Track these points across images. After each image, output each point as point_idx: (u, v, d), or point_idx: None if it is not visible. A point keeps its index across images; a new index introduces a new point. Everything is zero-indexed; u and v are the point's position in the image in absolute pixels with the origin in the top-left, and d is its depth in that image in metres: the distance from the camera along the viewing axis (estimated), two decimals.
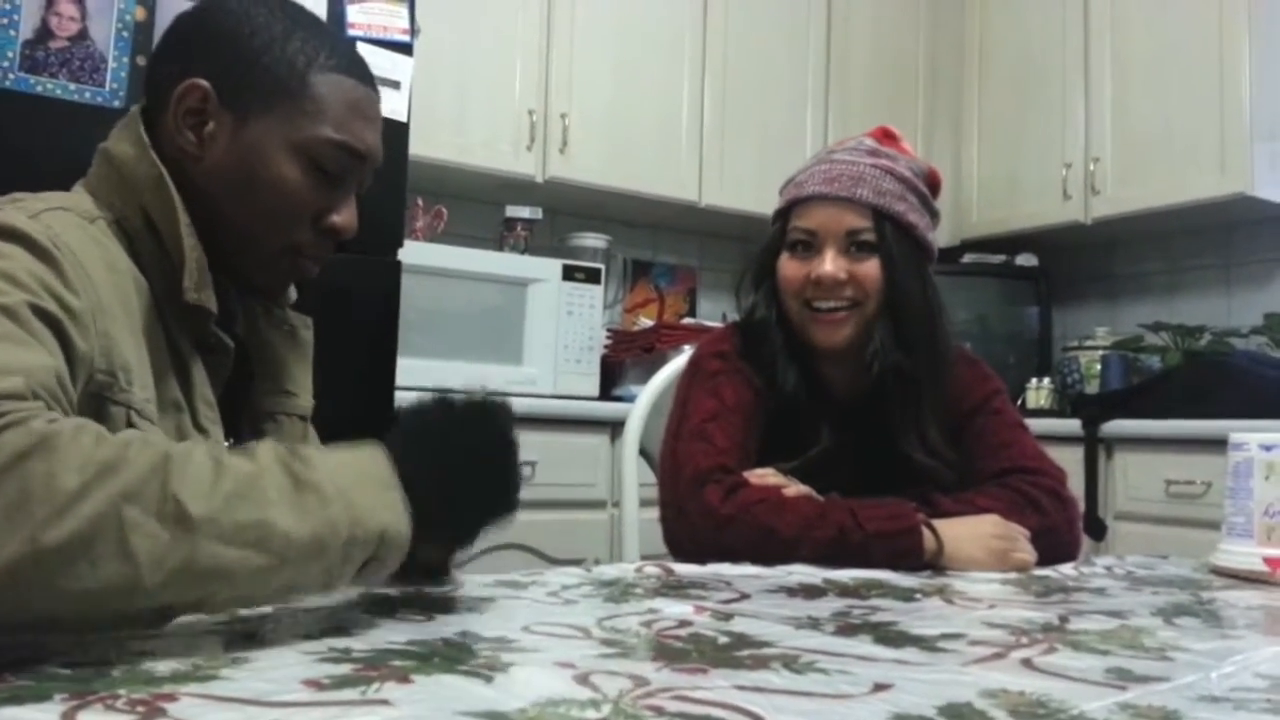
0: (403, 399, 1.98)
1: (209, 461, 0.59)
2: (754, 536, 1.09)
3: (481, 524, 0.71)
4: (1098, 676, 0.60)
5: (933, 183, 1.29)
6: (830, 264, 1.22)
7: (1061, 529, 1.20)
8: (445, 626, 0.66)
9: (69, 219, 0.79)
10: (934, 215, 1.29)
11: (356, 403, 1.89)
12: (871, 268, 1.23)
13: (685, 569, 1.00)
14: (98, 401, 0.74)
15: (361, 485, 0.63)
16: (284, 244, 0.89)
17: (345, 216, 0.90)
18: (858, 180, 1.22)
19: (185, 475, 0.57)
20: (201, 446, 0.61)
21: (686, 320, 3.21)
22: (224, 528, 0.56)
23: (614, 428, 2.49)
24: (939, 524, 1.10)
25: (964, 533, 1.10)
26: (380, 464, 0.65)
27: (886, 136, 1.29)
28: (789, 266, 1.26)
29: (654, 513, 1.49)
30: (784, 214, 1.28)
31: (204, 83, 0.85)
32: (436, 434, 0.70)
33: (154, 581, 0.54)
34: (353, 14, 1.86)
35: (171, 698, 0.46)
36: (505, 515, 0.72)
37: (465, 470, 0.69)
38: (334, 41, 0.91)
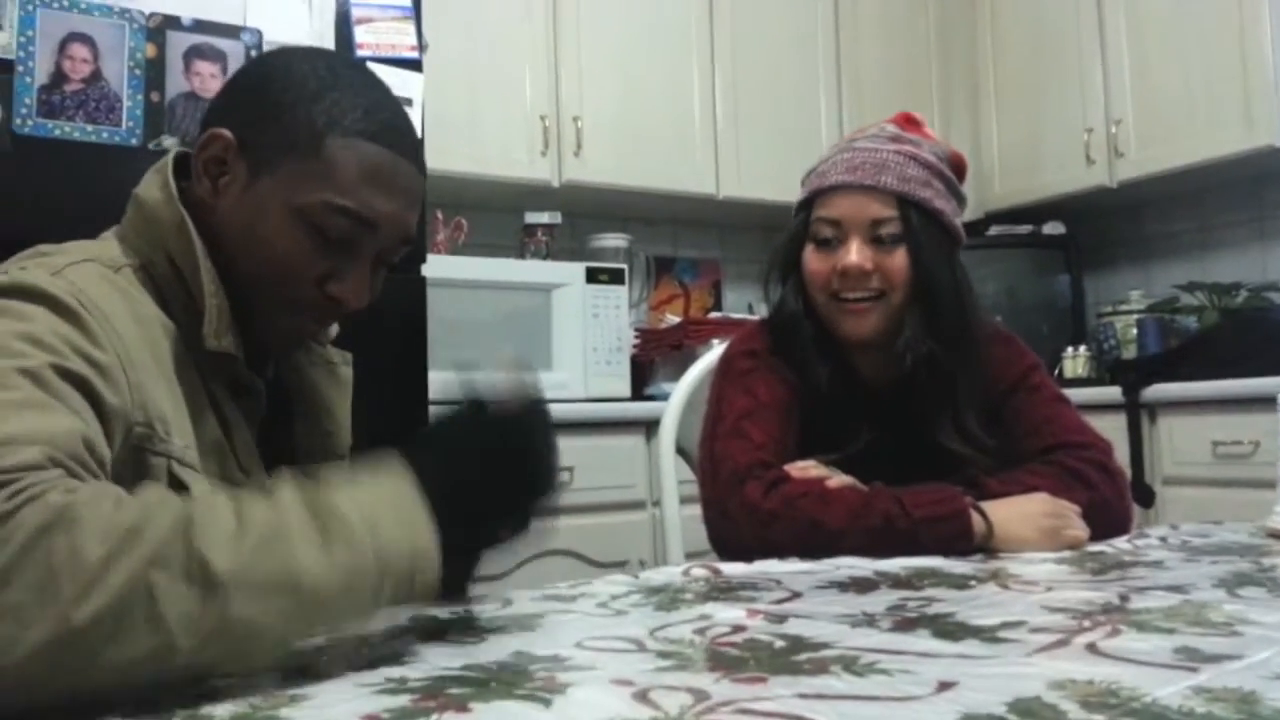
0: (436, 413, 2.00)
1: (230, 514, 0.58)
2: (800, 530, 1.08)
3: (511, 532, 0.71)
4: (1166, 658, 0.59)
5: (957, 166, 1.27)
6: (855, 254, 1.20)
7: (1112, 502, 1.18)
8: (498, 648, 0.65)
9: (93, 271, 0.79)
10: (960, 200, 1.27)
11: (391, 421, 1.89)
12: (898, 258, 1.21)
13: (733, 569, 0.99)
14: (138, 454, 0.74)
15: (388, 519, 0.62)
16: (282, 302, 0.86)
17: (349, 287, 0.86)
18: (881, 167, 1.20)
19: (209, 531, 0.56)
20: (222, 497, 0.60)
21: (713, 314, 3.20)
22: (253, 581, 0.55)
23: (649, 427, 2.49)
24: (987, 506, 1.08)
25: (1013, 513, 1.08)
26: (406, 491, 0.64)
27: (909, 122, 1.27)
28: (814, 259, 1.24)
29: (696, 510, 1.48)
30: (807, 205, 1.26)
31: (227, 133, 0.85)
32: (461, 449, 0.69)
33: (188, 645, 0.53)
34: (360, 34, 1.86)
35: None
36: (535, 513, 0.72)
37: (489, 485, 0.69)
38: (373, 106, 0.86)
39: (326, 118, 0.84)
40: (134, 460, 0.74)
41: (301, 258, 0.84)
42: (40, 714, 0.51)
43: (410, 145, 0.89)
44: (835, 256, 1.22)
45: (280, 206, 0.84)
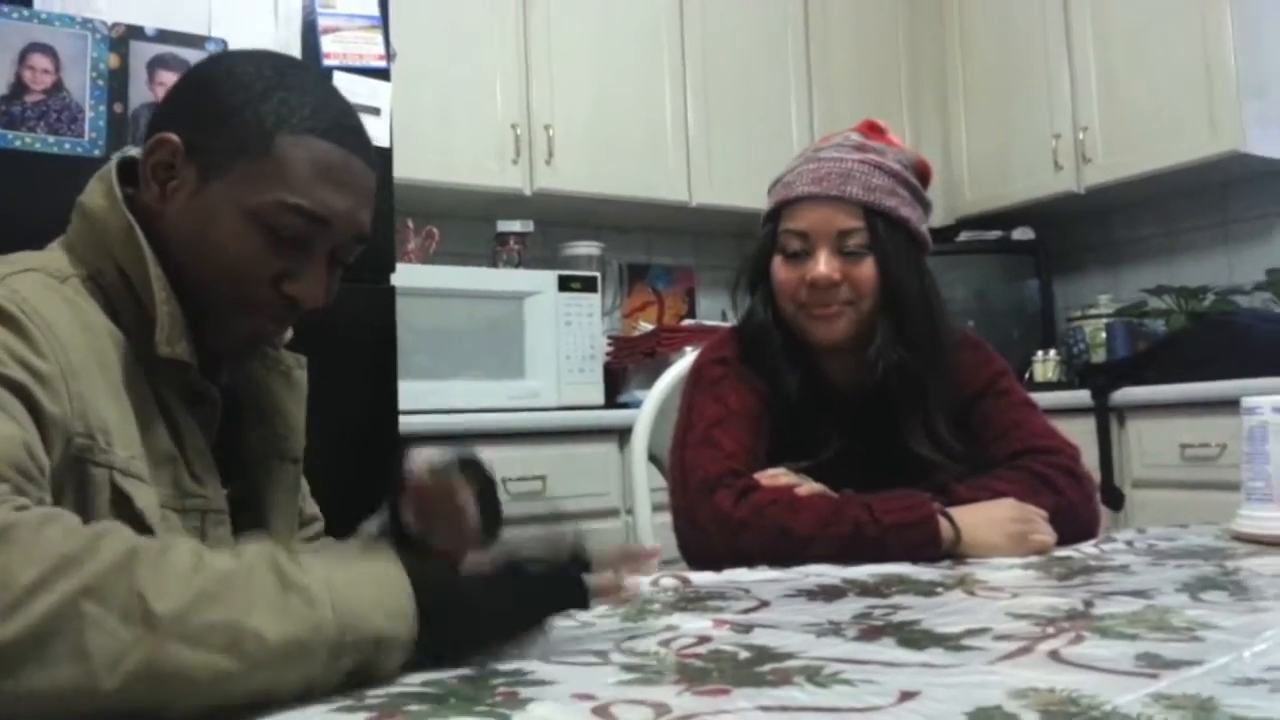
0: (407, 423, 1.98)
1: (189, 558, 0.55)
2: (770, 538, 1.08)
3: (504, 643, 0.66)
4: (1128, 665, 0.59)
5: (922, 173, 1.28)
6: (824, 266, 1.21)
7: (1079, 507, 1.19)
8: None
9: (37, 280, 0.77)
10: (926, 206, 1.28)
11: (359, 430, 1.88)
12: (866, 268, 1.21)
13: (701, 578, 0.99)
14: (79, 465, 0.73)
15: (361, 586, 0.59)
16: (237, 305, 0.85)
17: (305, 286, 0.85)
18: (846, 177, 1.21)
19: (155, 572, 0.53)
20: (186, 543, 0.58)
21: (687, 321, 3.20)
22: (190, 628, 0.53)
23: (621, 435, 2.48)
24: (955, 512, 1.09)
25: (981, 519, 1.09)
26: (389, 568, 0.61)
27: (873, 130, 1.28)
28: (782, 270, 1.24)
29: (668, 517, 1.48)
30: (774, 216, 1.26)
31: (174, 137, 0.84)
32: (474, 587, 0.66)
33: (110, 685, 0.50)
34: (327, 44, 1.85)
35: None
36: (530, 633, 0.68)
37: (517, 623, 0.66)
38: (321, 102, 0.86)
39: (275, 117, 0.83)
40: (75, 471, 0.72)
41: (255, 258, 0.84)
42: None
43: (361, 141, 0.88)
44: (804, 268, 1.22)
45: (232, 208, 0.83)
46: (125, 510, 0.75)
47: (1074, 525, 1.15)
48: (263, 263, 0.84)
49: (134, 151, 0.90)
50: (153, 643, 0.51)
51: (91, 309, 0.80)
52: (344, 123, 0.87)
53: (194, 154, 0.84)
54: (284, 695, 0.55)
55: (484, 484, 0.85)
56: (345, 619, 0.57)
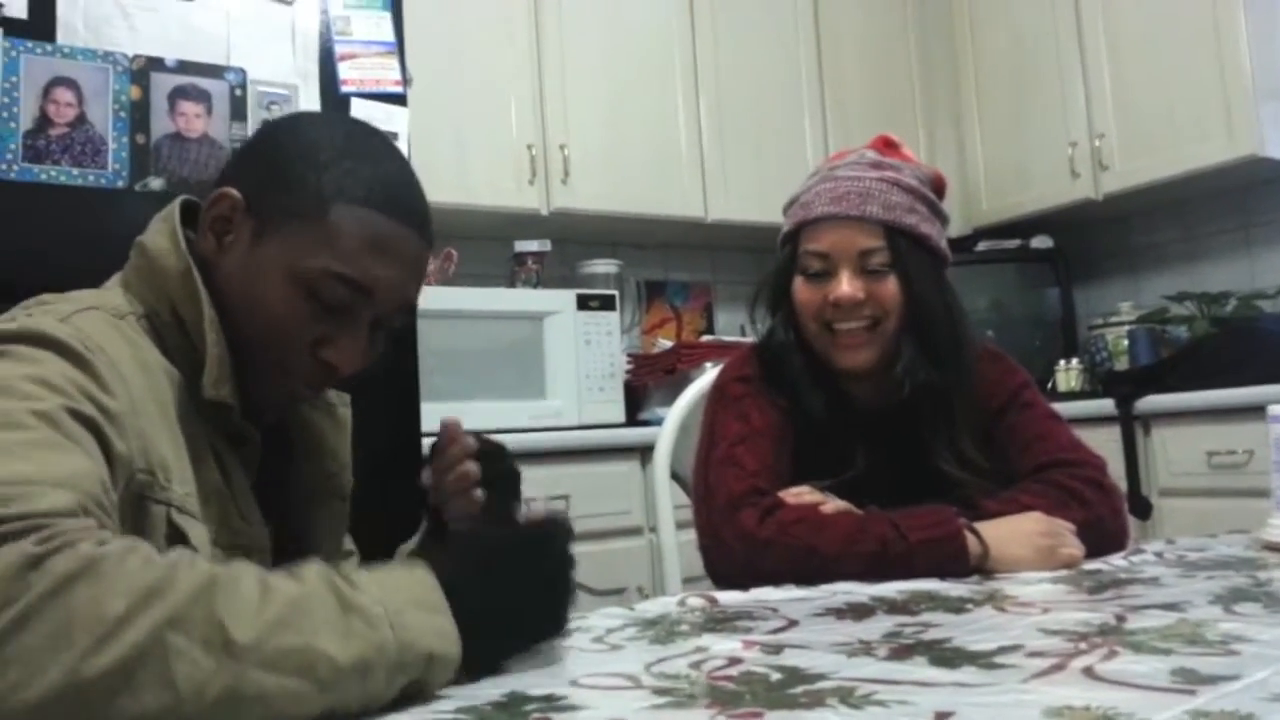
0: (430, 445, 1.99)
1: (256, 585, 0.58)
2: (795, 558, 1.07)
3: (526, 645, 0.71)
4: (1163, 681, 0.59)
5: (938, 187, 1.28)
6: (847, 285, 1.20)
7: (1107, 519, 1.18)
8: (492, 688, 0.65)
9: (99, 318, 0.79)
10: (944, 220, 1.27)
11: (385, 453, 1.89)
12: (888, 286, 1.21)
13: (729, 598, 0.98)
14: (139, 501, 0.74)
15: (410, 609, 0.62)
16: (275, 364, 0.87)
17: (343, 353, 0.87)
18: (865, 197, 1.20)
19: (231, 600, 0.56)
20: (249, 569, 0.60)
21: (705, 337, 3.20)
22: (268, 654, 0.55)
23: (643, 453, 2.48)
24: (982, 526, 1.08)
25: (1008, 533, 1.08)
26: (428, 588, 0.64)
27: (887, 146, 1.28)
28: (804, 291, 1.24)
29: (693, 534, 1.47)
30: (792, 236, 1.26)
31: (235, 192, 0.86)
32: (489, 562, 0.70)
33: (195, 709, 0.53)
34: (344, 70, 1.87)
35: None
36: (552, 636, 0.73)
37: (515, 597, 0.69)
38: (384, 176, 0.87)
39: (335, 186, 0.85)
40: (134, 507, 0.74)
41: (295, 321, 0.85)
42: None
43: (418, 216, 0.89)
44: (826, 288, 1.22)
45: (279, 269, 0.85)
46: (180, 546, 0.76)
47: (1103, 538, 1.14)
48: (303, 326, 0.86)
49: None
50: (234, 670, 0.54)
51: (148, 347, 0.82)
52: (401, 195, 0.88)
53: (252, 211, 0.86)
54: (349, 709, 0.59)
55: (507, 475, 0.96)
56: (402, 639, 0.60)
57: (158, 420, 0.78)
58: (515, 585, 0.69)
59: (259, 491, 0.90)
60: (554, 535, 0.75)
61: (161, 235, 0.87)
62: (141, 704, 0.52)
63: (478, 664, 0.66)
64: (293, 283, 0.84)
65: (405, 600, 0.62)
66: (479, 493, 0.98)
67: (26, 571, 0.53)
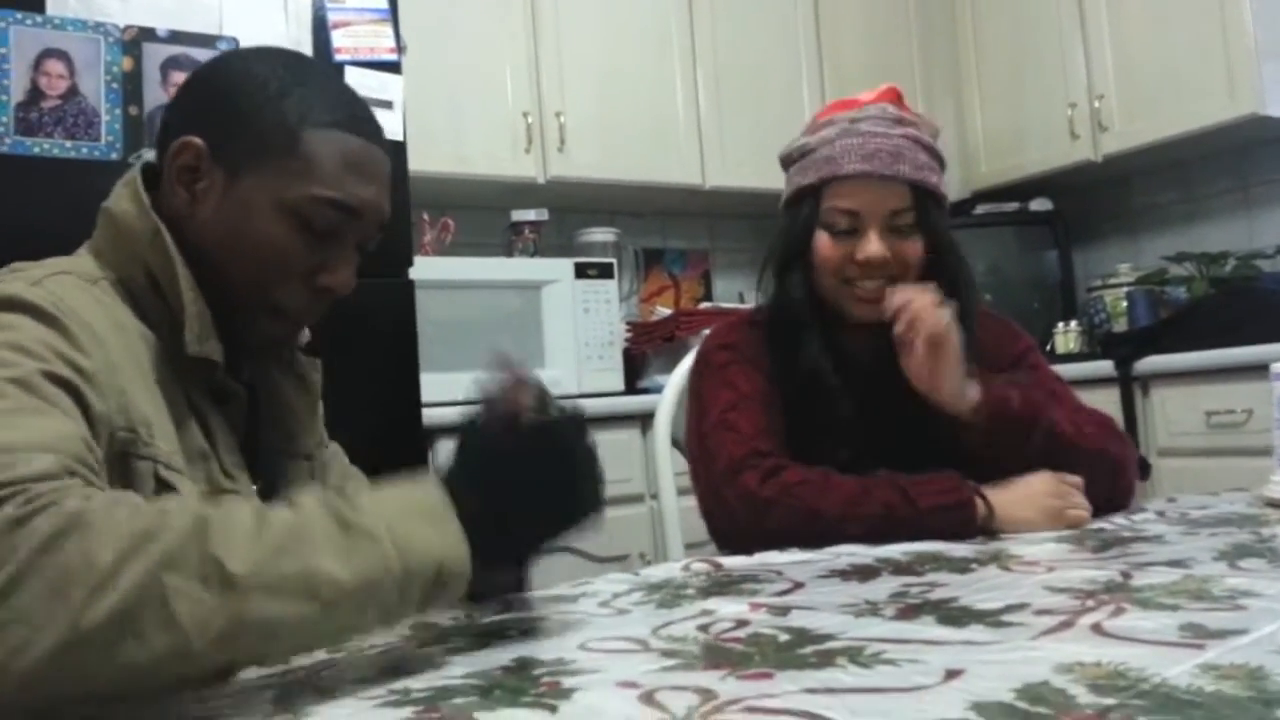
0: (430, 415, 1.99)
1: (251, 517, 0.58)
2: (798, 518, 1.07)
3: (551, 537, 0.71)
4: (1172, 636, 0.59)
5: (937, 137, 1.28)
6: (876, 245, 1.19)
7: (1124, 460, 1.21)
8: (501, 654, 0.65)
9: (70, 282, 0.79)
10: (944, 169, 1.28)
11: (384, 424, 1.89)
12: (912, 246, 1.21)
13: (733, 562, 0.99)
14: (123, 459, 0.74)
15: (412, 520, 0.62)
16: (268, 303, 0.87)
17: (339, 276, 0.88)
18: (896, 156, 1.19)
19: (225, 535, 0.56)
20: (244, 503, 0.60)
21: (704, 304, 3.19)
22: (269, 582, 0.56)
23: (644, 420, 2.48)
24: (988, 490, 1.08)
25: (1015, 496, 1.08)
26: (432, 495, 0.64)
27: (899, 99, 1.27)
28: (828, 247, 1.23)
29: (693, 500, 1.48)
30: (814, 190, 1.24)
31: (198, 140, 0.85)
32: (494, 457, 0.69)
33: (203, 645, 0.53)
34: (338, 39, 1.85)
35: None
36: (581, 522, 0.71)
37: (528, 490, 0.68)
38: (336, 95, 0.89)
39: (297, 113, 0.85)
40: (119, 465, 0.73)
41: (291, 252, 0.85)
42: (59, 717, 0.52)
43: (376, 129, 0.91)
44: (851, 245, 1.21)
45: (266, 204, 0.84)
46: None
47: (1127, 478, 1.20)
48: (298, 256, 0.86)
49: (148, 155, 0.91)
50: (236, 601, 0.54)
51: (122, 310, 0.81)
52: (359, 113, 0.90)
53: (219, 155, 0.85)
54: (365, 632, 0.60)
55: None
56: (406, 553, 0.60)
57: (136, 380, 0.78)
58: (526, 479, 0.68)
59: (243, 451, 0.90)
60: (562, 424, 0.72)
61: (126, 199, 0.86)
62: (149, 648, 0.52)
63: (507, 561, 0.67)
64: (283, 216, 0.84)
65: (406, 513, 0.62)
66: None
67: (10, 534, 0.53)
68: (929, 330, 1.13)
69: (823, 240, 1.23)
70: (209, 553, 0.55)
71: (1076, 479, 1.11)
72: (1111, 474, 1.18)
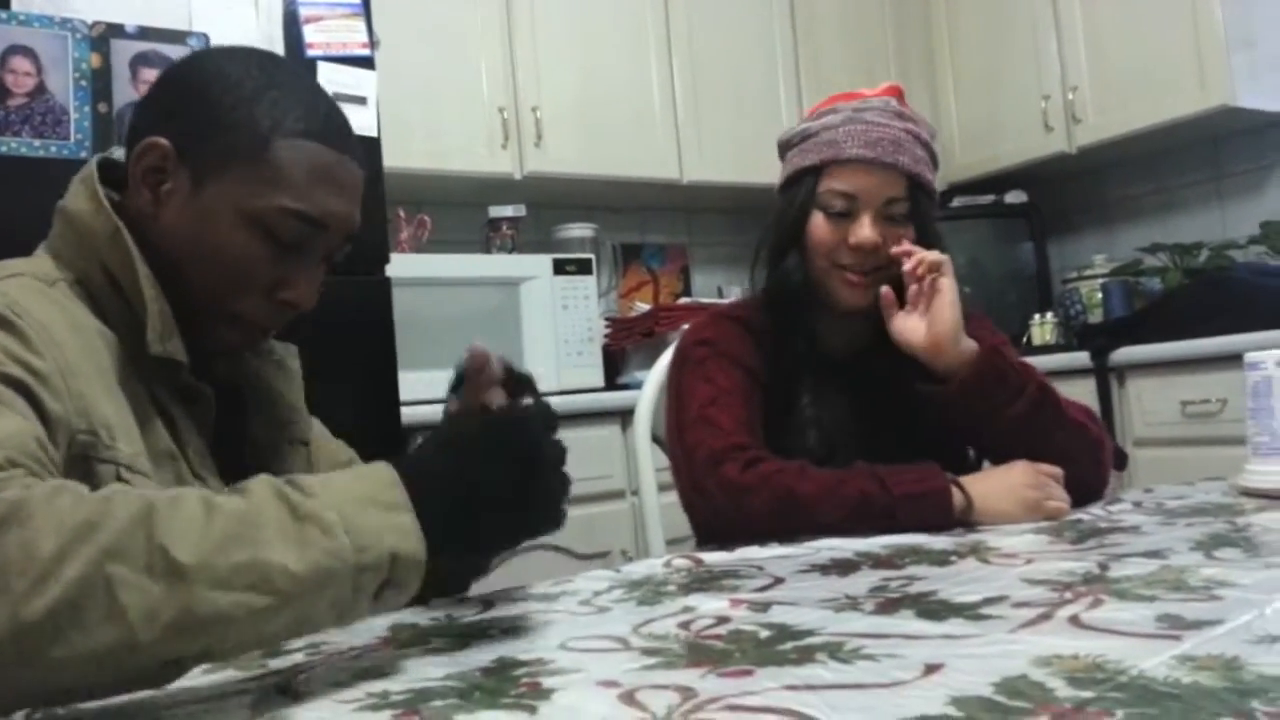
0: (409, 414, 1.98)
1: (199, 506, 0.56)
2: (775, 502, 1.08)
3: (512, 534, 0.69)
4: (1149, 627, 0.59)
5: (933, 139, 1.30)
6: (869, 230, 1.21)
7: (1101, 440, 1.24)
8: (480, 654, 0.65)
9: (26, 284, 0.77)
10: (936, 171, 1.29)
11: (362, 424, 1.87)
12: (903, 237, 1.22)
13: (714, 557, 0.99)
14: (84, 462, 0.73)
15: (366, 509, 0.60)
16: (227, 312, 0.85)
17: (301, 290, 0.86)
18: (897, 146, 1.21)
19: (172, 523, 0.54)
20: (193, 492, 0.58)
21: (683, 299, 3.19)
22: (218, 572, 0.54)
23: (623, 416, 2.48)
24: (966, 480, 1.08)
25: (994, 487, 1.08)
26: (386, 485, 0.62)
27: (900, 95, 1.28)
28: (822, 228, 1.24)
29: (674, 496, 1.47)
30: (814, 171, 1.25)
31: (164, 141, 0.83)
32: (455, 449, 0.67)
33: (149, 638, 0.52)
34: (310, 34, 1.83)
35: None
36: (542, 525, 0.69)
37: (487, 482, 0.66)
38: (311, 103, 0.86)
39: (269, 120, 0.83)
40: (80, 469, 0.72)
41: (254, 262, 0.84)
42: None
43: (351, 140, 0.89)
44: (845, 228, 1.22)
45: (230, 212, 0.83)
46: None
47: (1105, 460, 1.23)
48: (260, 268, 0.84)
49: (116, 154, 0.89)
50: (183, 591, 0.53)
51: (81, 311, 0.80)
52: (335, 122, 0.88)
53: (186, 157, 0.84)
54: (320, 624, 0.58)
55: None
56: (359, 540, 0.58)
57: (95, 382, 0.76)
58: (489, 471, 0.66)
59: (218, 449, 0.89)
60: (530, 417, 0.70)
61: (82, 198, 0.84)
62: (94, 639, 0.51)
63: (465, 555, 0.65)
64: (247, 225, 0.83)
65: (360, 500, 0.60)
66: None
67: None
68: (933, 258, 1.18)
69: (817, 221, 1.24)
70: (155, 542, 0.53)
71: (1055, 470, 1.11)
72: (1092, 451, 1.21)
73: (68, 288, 0.81)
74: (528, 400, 0.74)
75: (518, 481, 0.67)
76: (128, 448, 0.76)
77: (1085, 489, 1.16)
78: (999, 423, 1.16)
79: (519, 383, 0.86)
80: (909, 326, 1.20)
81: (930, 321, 1.18)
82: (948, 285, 1.19)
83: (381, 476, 0.63)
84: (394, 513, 0.61)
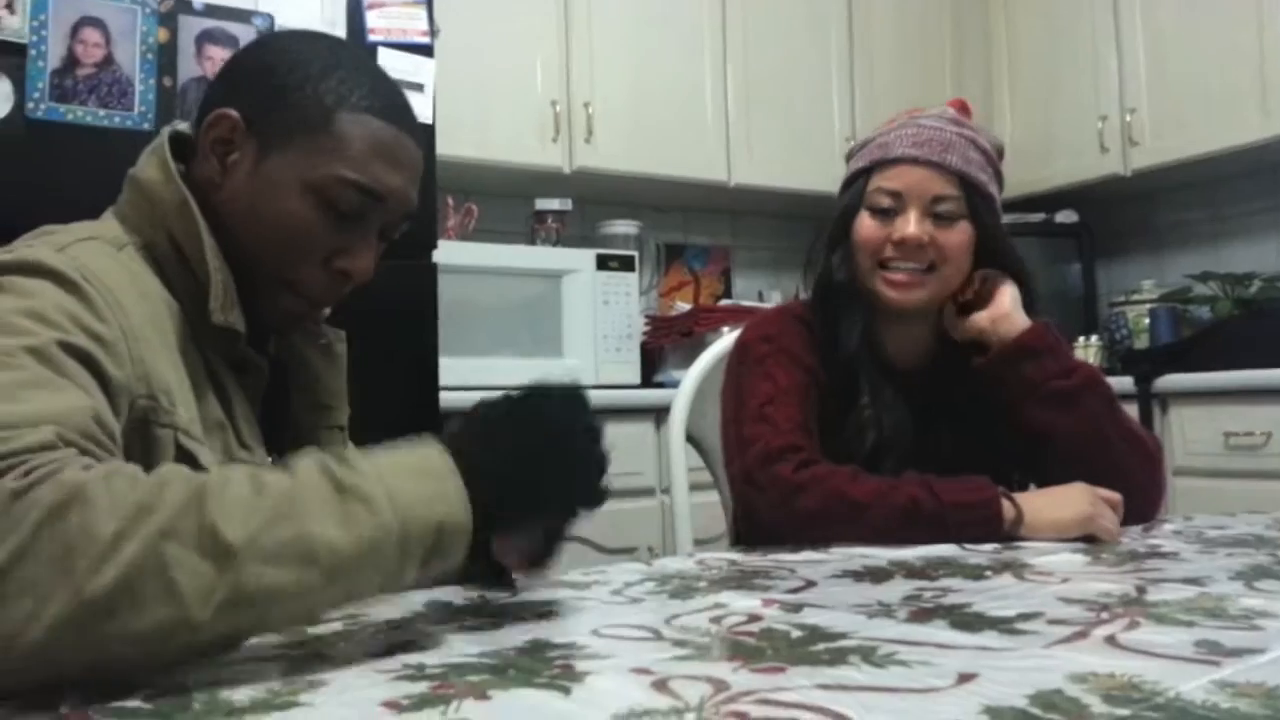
0: (447, 399, 2.00)
1: (247, 484, 0.58)
2: (826, 502, 1.08)
3: (557, 510, 0.70)
4: (1188, 652, 0.58)
5: (1000, 156, 1.30)
6: (914, 225, 1.21)
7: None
8: (514, 634, 0.65)
9: (97, 248, 0.79)
10: (1002, 189, 1.30)
11: (402, 406, 1.89)
12: (953, 235, 1.22)
13: (746, 558, 0.99)
14: (144, 427, 0.74)
15: (410, 480, 0.61)
16: (286, 280, 0.87)
17: (357, 261, 0.88)
18: (947, 146, 1.22)
19: (222, 503, 0.56)
20: (241, 470, 0.60)
21: (723, 302, 3.19)
22: (266, 549, 0.55)
23: (658, 414, 2.48)
24: (1021, 496, 1.08)
25: (1046, 501, 1.08)
26: (431, 456, 0.63)
27: (963, 109, 1.29)
28: (868, 226, 1.24)
29: (704, 497, 1.48)
30: (864, 173, 1.26)
31: (233, 112, 0.86)
32: (501, 423, 0.68)
33: (202, 616, 0.53)
34: (372, 19, 1.85)
35: None
36: (586, 504, 0.70)
37: (534, 458, 0.67)
38: (375, 83, 0.89)
39: (334, 95, 0.86)
40: (140, 433, 0.74)
41: (312, 231, 0.86)
42: (66, 691, 0.52)
43: (412, 121, 0.91)
44: (891, 226, 1.22)
45: (292, 181, 0.85)
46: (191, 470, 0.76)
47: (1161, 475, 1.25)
48: (318, 236, 0.86)
49: (182, 126, 0.92)
50: (234, 569, 0.54)
51: (148, 277, 0.82)
52: (397, 102, 0.90)
53: (253, 129, 0.86)
54: (367, 595, 0.60)
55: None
56: (404, 513, 0.59)
57: (158, 348, 0.78)
58: (530, 442, 0.67)
59: (261, 423, 0.91)
60: (567, 393, 0.72)
61: (153, 167, 0.86)
62: (150, 617, 0.52)
63: (508, 526, 0.67)
64: (307, 194, 0.85)
65: (404, 472, 0.61)
66: None
67: (11, 507, 0.53)
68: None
69: (863, 219, 1.25)
70: (206, 522, 0.55)
71: (1114, 495, 1.10)
72: (1147, 464, 1.21)
73: (135, 252, 0.83)
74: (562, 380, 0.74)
75: (557, 453, 0.68)
76: (185, 413, 0.78)
77: (1138, 504, 1.15)
78: (1047, 394, 1.19)
79: None
80: (970, 317, 1.24)
81: (992, 308, 1.23)
82: (1006, 283, 1.23)
83: (425, 449, 0.64)
84: (440, 481, 0.62)
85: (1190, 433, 2.51)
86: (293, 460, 0.61)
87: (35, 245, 0.76)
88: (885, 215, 1.23)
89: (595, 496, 0.70)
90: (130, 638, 0.52)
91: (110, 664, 0.53)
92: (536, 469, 0.67)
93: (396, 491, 0.60)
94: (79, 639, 0.52)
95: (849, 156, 1.33)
